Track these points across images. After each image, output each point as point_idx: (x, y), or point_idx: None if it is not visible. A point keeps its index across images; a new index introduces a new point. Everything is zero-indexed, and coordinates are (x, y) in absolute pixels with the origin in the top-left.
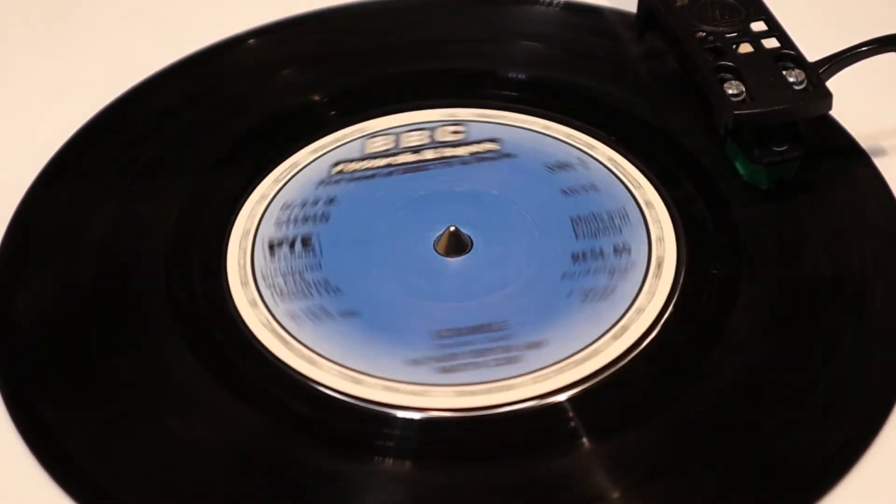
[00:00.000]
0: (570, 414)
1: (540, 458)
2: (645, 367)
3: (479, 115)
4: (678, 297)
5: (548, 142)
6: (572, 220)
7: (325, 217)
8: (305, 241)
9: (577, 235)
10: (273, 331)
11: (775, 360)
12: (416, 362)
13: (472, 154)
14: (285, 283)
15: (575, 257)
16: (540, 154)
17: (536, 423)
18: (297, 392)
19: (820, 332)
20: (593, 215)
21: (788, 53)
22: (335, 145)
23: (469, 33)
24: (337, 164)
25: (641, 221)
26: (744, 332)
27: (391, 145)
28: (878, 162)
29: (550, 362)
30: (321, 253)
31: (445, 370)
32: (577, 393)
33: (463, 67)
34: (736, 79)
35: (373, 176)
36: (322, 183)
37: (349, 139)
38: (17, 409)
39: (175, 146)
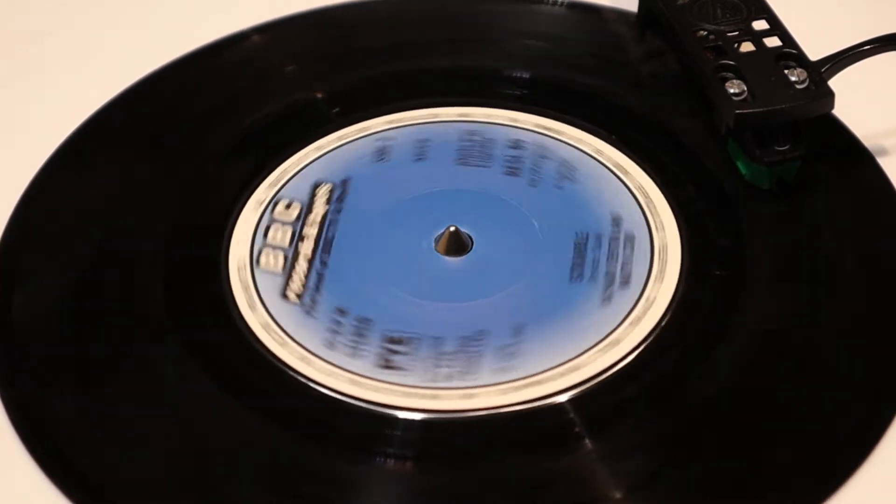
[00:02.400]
0: (571, 415)
1: (540, 459)
2: (646, 368)
3: (488, 116)
4: (680, 297)
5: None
6: (577, 241)
7: (365, 320)
8: (394, 340)
9: (576, 257)
10: (250, 300)
11: (776, 360)
12: (606, 299)
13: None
14: (450, 366)
15: (576, 258)
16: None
17: (537, 423)
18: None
19: (822, 333)
20: (602, 245)
21: (790, 52)
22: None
23: (469, 32)
24: (285, 295)
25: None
26: (745, 332)
27: (283, 253)
28: (882, 161)
29: (557, 363)
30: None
31: (624, 283)
32: (578, 393)
33: (463, 66)
34: (737, 78)
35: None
36: (310, 313)
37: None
38: (16, 409)
39: (176, 143)
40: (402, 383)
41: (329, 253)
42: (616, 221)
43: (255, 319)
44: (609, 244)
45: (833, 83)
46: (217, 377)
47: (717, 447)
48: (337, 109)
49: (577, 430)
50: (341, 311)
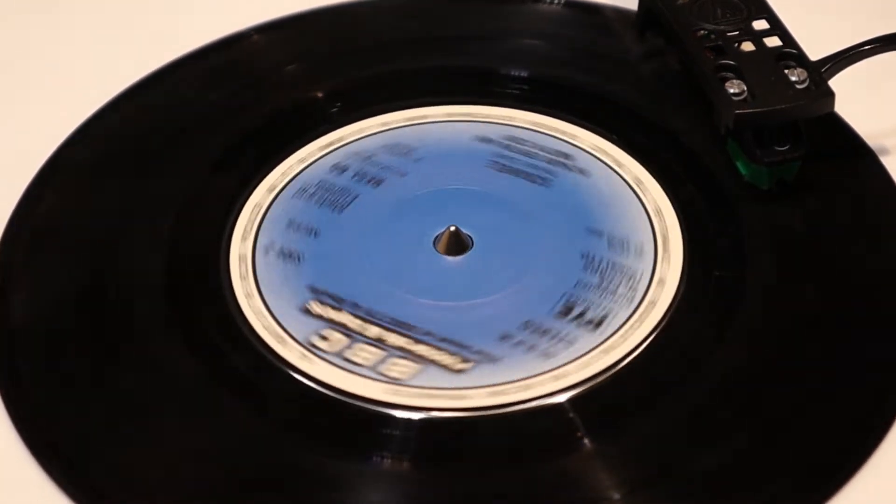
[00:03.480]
0: (571, 415)
1: (540, 459)
2: (647, 369)
3: (487, 115)
4: (681, 298)
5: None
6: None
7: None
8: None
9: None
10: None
11: (777, 360)
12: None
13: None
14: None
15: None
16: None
17: (537, 424)
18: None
19: (824, 333)
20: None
21: (790, 52)
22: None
23: (469, 31)
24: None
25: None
26: (746, 333)
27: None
28: (885, 161)
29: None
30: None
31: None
32: (578, 394)
33: (463, 65)
34: (737, 78)
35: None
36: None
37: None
38: (17, 409)
39: (174, 143)
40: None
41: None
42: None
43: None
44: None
45: (834, 83)
46: (216, 374)
47: (716, 447)
48: (336, 108)
49: (576, 430)
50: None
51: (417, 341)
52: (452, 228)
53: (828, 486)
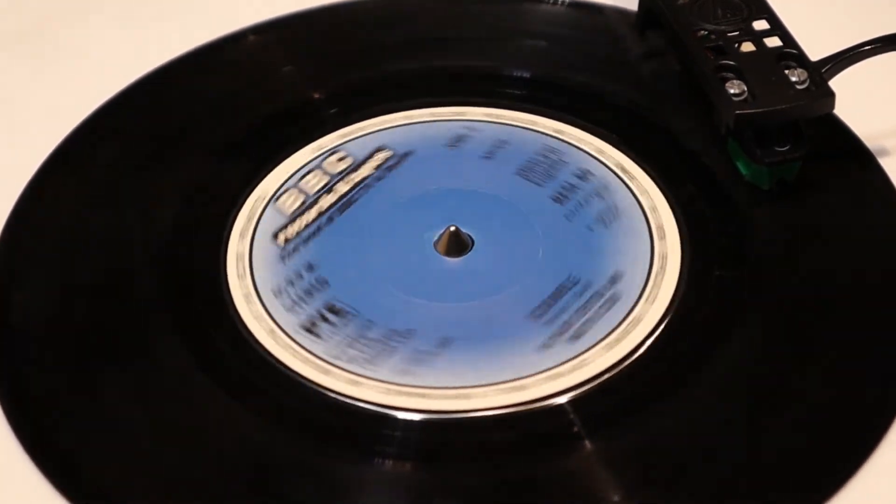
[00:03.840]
0: (571, 416)
1: (542, 460)
2: (647, 369)
3: (487, 115)
4: (681, 298)
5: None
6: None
7: (321, 282)
8: (332, 309)
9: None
10: (400, 392)
11: (778, 361)
12: (546, 346)
13: (376, 168)
14: (361, 351)
15: (570, 279)
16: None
17: (538, 424)
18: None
19: (824, 334)
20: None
21: (791, 52)
22: (254, 219)
23: (469, 31)
24: (276, 235)
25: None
26: (746, 333)
27: (302, 197)
28: (883, 162)
29: (641, 283)
30: (357, 310)
31: (574, 337)
32: (579, 395)
33: (464, 65)
34: (737, 78)
35: (318, 229)
36: (284, 258)
37: (261, 206)
38: (15, 410)
39: (169, 145)
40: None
41: (364, 308)
42: (584, 175)
43: (254, 321)
44: (588, 299)
45: (834, 83)
46: (216, 378)
47: (716, 447)
48: (334, 110)
49: (576, 430)
50: (309, 267)
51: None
52: (452, 229)
53: (828, 485)
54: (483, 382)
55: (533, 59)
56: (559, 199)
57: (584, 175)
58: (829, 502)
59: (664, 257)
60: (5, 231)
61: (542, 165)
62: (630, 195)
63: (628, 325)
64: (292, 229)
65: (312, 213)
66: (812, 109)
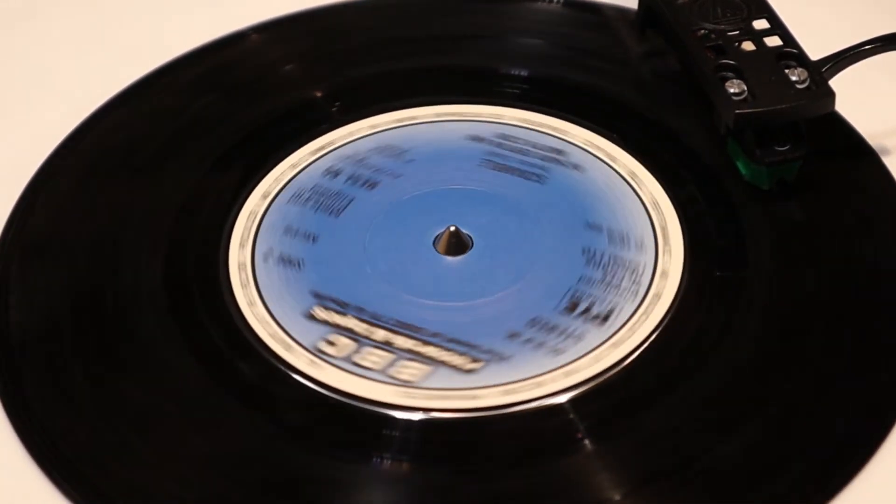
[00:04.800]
0: (572, 416)
1: (555, 457)
2: (647, 369)
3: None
4: (681, 298)
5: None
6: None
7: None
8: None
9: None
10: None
11: (779, 361)
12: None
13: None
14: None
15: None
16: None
17: (549, 421)
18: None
19: (824, 333)
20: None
21: (791, 52)
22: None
23: (469, 30)
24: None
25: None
26: (746, 333)
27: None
28: (886, 160)
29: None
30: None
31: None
32: (579, 394)
33: (465, 64)
34: (737, 77)
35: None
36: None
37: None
38: (17, 414)
39: (166, 149)
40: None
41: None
42: (611, 208)
43: (263, 331)
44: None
45: (835, 83)
46: (218, 379)
47: (719, 447)
48: (334, 109)
49: (577, 430)
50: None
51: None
52: (452, 228)
53: (830, 485)
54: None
55: (532, 59)
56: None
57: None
58: (829, 502)
59: (664, 252)
60: (4, 233)
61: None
62: (630, 192)
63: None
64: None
65: None
66: (812, 109)
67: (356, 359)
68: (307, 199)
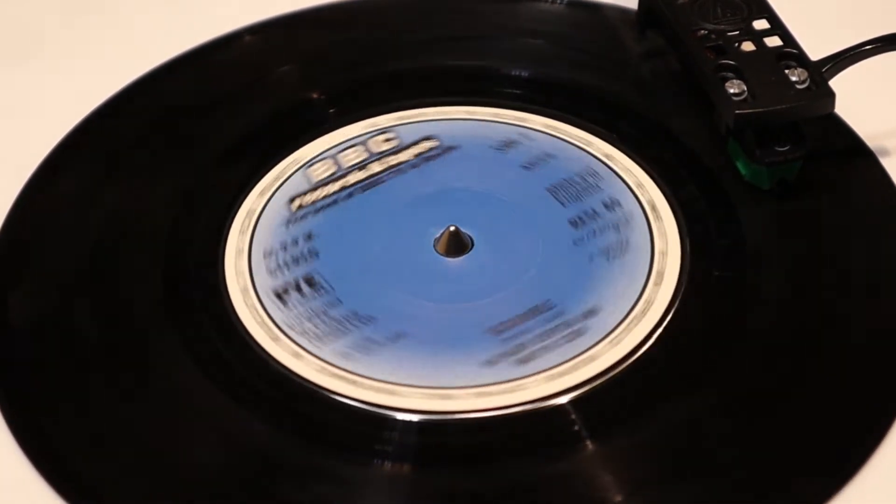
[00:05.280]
0: (573, 416)
1: (548, 460)
2: (647, 370)
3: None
4: (680, 298)
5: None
6: (580, 243)
7: (313, 253)
8: (310, 281)
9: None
10: (334, 374)
11: (779, 361)
12: (490, 362)
13: (416, 156)
14: (316, 326)
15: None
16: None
17: (538, 425)
18: (391, 427)
19: (824, 333)
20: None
21: (791, 52)
22: (280, 180)
23: (469, 30)
24: (292, 199)
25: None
26: (747, 333)
27: (334, 168)
28: (884, 162)
29: (613, 325)
30: (332, 287)
31: (522, 361)
32: (580, 395)
33: (465, 64)
34: (737, 78)
35: (335, 202)
36: (289, 222)
37: (293, 169)
38: (13, 411)
39: (168, 146)
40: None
41: (339, 284)
42: (609, 205)
43: (308, 368)
44: (608, 229)
45: (835, 83)
46: (237, 397)
47: (716, 448)
48: (332, 110)
49: (578, 431)
50: (308, 236)
51: (373, 330)
52: (452, 228)
53: (829, 486)
54: (409, 383)
55: (532, 59)
56: (576, 223)
57: (611, 205)
58: (830, 502)
59: (663, 256)
60: (4, 230)
61: (575, 187)
62: (647, 232)
63: (627, 321)
64: (310, 197)
65: (336, 186)
66: (812, 109)
67: (304, 329)
68: (306, 199)
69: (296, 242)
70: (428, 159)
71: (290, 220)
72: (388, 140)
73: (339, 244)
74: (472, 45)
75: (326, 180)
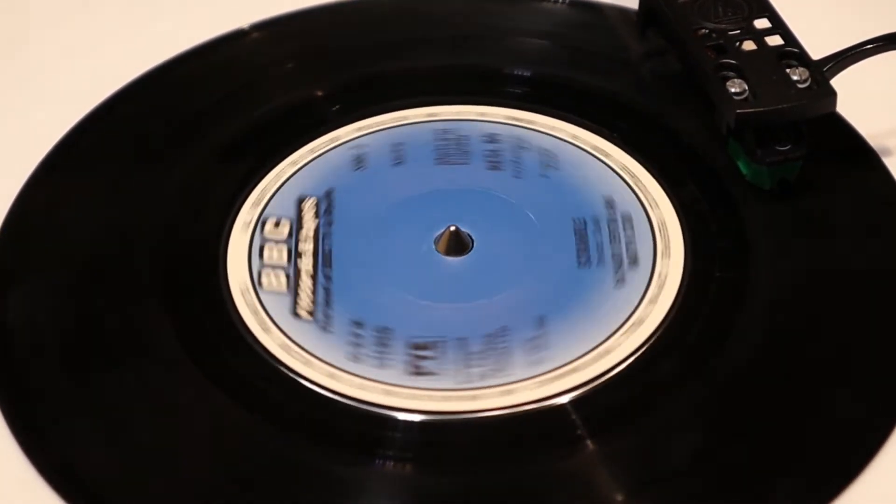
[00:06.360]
0: (573, 416)
1: (548, 460)
2: (647, 370)
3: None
4: (682, 299)
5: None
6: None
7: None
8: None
9: (579, 260)
10: (335, 375)
11: (779, 361)
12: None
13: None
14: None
15: (579, 259)
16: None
17: (538, 425)
18: (292, 392)
19: (824, 335)
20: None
21: (792, 51)
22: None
23: (469, 30)
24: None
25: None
26: (748, 334)
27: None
28: (887, 161)
29: (552, 367)
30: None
31: (633, 262)
32: (580, 395)
33: (465, 64)
34: (738, 77)
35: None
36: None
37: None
38: (12, 411)
39: (169, 144)
40: (436, 388)
41: (330, 266)
42: (610, 203)
43: (272, 341)
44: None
45: (836, 82)
46: (246, 404)
47: (717, 448)
48: (334, 109)
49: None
50: (358, 324)
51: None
52: (452, 228)
53: (829, 487)
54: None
55: (533, 58)
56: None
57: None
58: (830, 502)
59: (664, 256)
60: (2, 230)
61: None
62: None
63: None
64: (304, 302)
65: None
66: (813, 109)
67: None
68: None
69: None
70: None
71: (324, 328)
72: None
73: (355, 214)
74: (473, 46)
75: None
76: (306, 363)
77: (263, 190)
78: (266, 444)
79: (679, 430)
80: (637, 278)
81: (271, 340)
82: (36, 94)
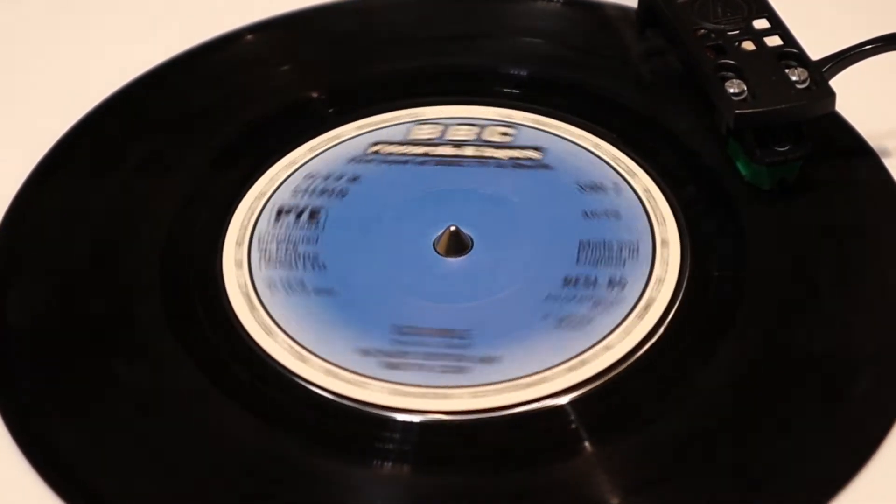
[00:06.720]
0: (572, 417)
1: (545, 461)
2: (647, 371)
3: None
4: (681, 299)
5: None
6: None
7: (342, 193)
8: (313, 214)
9: (578, 259)
10: (245, 294)
11: (779, 361)
12: (365, 352)
13: (510, 158)
14: (277, 249)
15: (567, 280)
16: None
17: (538, 425)
18: (250, 363)
19: (824, 334)
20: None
21: (791, 52)
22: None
23: (469, 30)
24: (376, 143)
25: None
26: (746, 333)
27: (436, 135)
28: (886, 161)
29: (496, 380)
30: (324, 228)
31: (390, 366)
32: (579, 396)
33: (465, 64)
34: (738, 77)
35: (405, 162)
36: (354, 160)
37: (397, 121)
38: (10, 412)
39: (166, 145)
40: (436, 387)
41: (331, 230)
42: (609, 203)
43: (234, 280)
44: (604, 274)
45: (835, 83)
46: (246, 404)
47: (716, 448)
48: (331, 110)
49: (577, 432)
50: (316, 288)
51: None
52: (452, 228)
53: (829, 486)
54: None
55: (532, 58)
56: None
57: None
58: (830, 502)
59: (662, 256)
60: (2, 230)
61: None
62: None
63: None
64: (392, 148)
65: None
66: (812, 109)
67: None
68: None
69: (340, 177)
70: (518, 166)
71: (357, 159)
72: (504, 134)
73: (367, 198)
74: (473, 46)
75: (419, 142)
76: (305, 361)
77: (263, 190)
78: (266, 444)
79: (678, 430)
80: (635, 278)
81: (271, 340)
82: (35, 95)
